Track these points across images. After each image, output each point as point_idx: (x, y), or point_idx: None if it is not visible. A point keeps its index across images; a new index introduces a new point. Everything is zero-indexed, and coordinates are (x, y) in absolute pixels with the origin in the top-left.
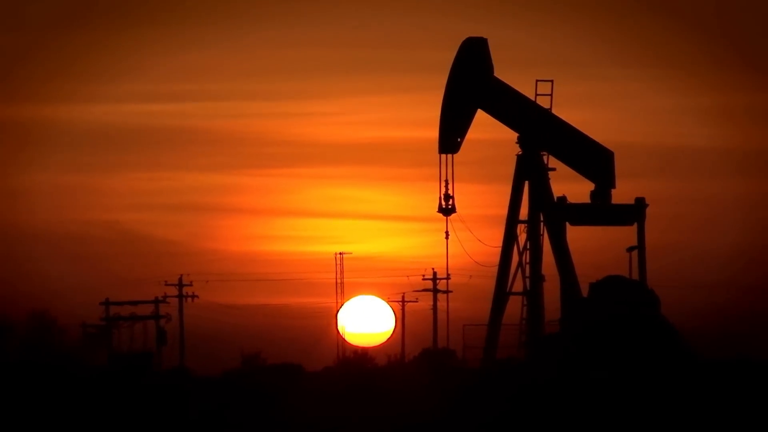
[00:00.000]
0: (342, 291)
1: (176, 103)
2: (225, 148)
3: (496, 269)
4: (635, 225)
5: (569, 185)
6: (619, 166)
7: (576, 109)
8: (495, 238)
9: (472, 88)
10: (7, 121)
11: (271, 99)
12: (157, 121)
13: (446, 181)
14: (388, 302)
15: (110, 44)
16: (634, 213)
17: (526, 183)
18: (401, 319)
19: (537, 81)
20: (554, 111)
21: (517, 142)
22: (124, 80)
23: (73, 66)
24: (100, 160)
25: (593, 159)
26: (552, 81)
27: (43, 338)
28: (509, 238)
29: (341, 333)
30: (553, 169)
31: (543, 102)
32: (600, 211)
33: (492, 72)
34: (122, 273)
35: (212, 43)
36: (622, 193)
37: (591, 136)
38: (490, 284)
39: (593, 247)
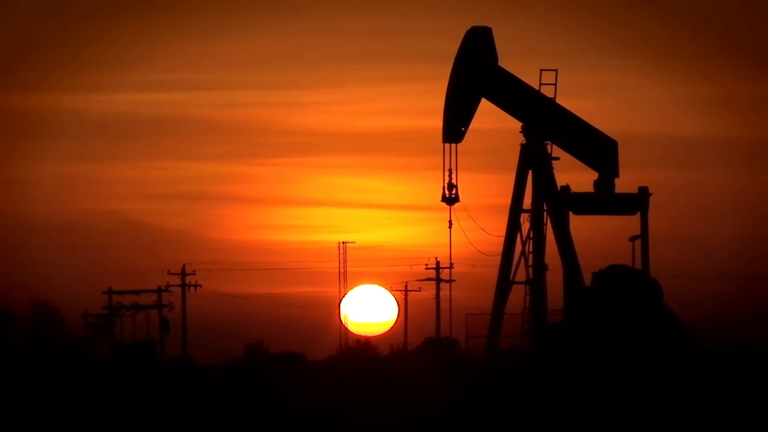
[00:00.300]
0: (345, 280)
1: (178, 93)
2: (228, 137)
3: (499, 258)
4: (638, 214)
5: (573, 175)
6: (623, 155)
7: (580, 98)
8: (498, 227)
9: (476, 77)
10: (9, 111)
11: (274, 88)
12: (159, 111)
13: (450, 171)
14: (391, 291)
15: (113, 34)
16: (638, 202)
17: (530, 172)
18: (404, 308)
19: (541, 70)
20: (558, 101)
21: (521, 132)
22: (126, 70)
23: (76, 56)
24: (102, 150)
25: (597, 148)
26: (556, 71)
27: (46, 328)
28: (512, 227)
29: (344, 322)
30: (557, 159)
31: (547, 91)
32: (603, 200)
33: (496, 61)
34: (125, 262)
35: (215, 33)
36: (625, 183)
37: (595, 126)
38: (493, 273)
39: (596, 236)
